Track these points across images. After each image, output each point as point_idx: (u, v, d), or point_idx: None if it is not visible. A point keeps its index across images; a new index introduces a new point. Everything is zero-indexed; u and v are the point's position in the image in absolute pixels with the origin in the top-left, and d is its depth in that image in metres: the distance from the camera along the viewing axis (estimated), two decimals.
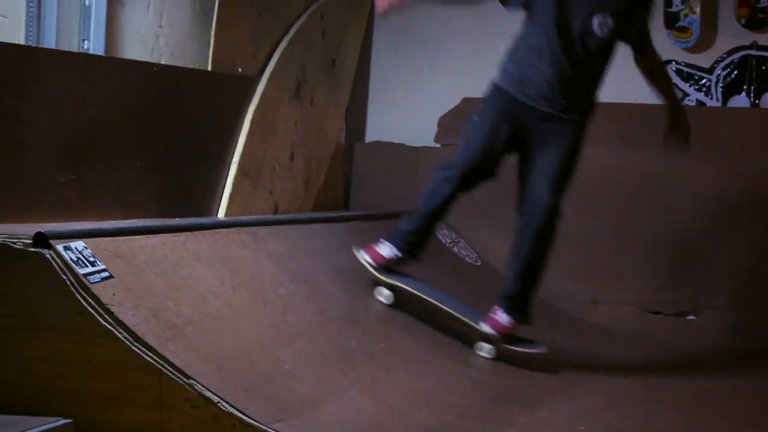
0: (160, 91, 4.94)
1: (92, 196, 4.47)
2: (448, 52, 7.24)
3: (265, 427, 3.27)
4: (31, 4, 4.96)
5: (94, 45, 5.28)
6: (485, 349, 4.94)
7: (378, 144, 7.34)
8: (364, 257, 5.07)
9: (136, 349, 3.32)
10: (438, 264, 5.96)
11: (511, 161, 5.02)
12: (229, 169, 5.37)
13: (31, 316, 3.45)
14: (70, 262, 3.42)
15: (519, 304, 4.93)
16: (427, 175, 6.94)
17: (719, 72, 6.69)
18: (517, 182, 4.98)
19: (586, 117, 4.96)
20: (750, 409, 4.55)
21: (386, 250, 5.05)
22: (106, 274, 3.51)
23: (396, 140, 7.24)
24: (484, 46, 7.07)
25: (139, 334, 3.35)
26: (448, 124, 7.13)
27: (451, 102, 7.04)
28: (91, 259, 3.51)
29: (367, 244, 5.14)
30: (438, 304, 5.04)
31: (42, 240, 3.43)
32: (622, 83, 6.82)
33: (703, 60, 6.76)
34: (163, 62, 5.47)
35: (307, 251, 5.05)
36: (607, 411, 4.36)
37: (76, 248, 3.50)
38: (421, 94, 7.27)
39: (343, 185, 7.20)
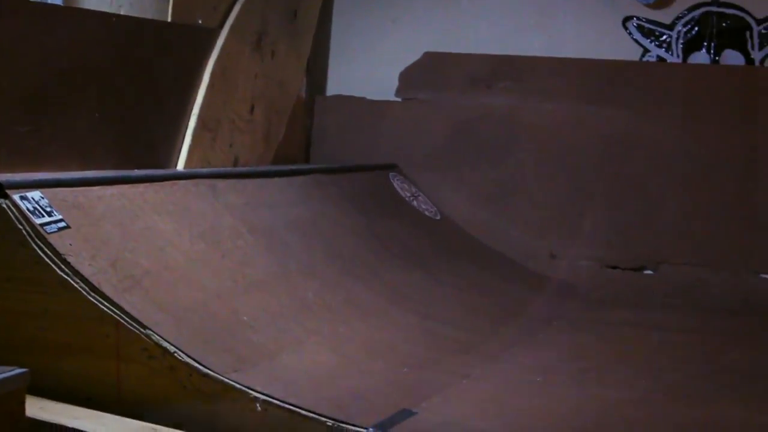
0: (120, 42, 4.88)
1: (50, 147, 4.43)
2: (411, 6, 7.22)
3: (221, 377, 3.28)
4: None
5: None
6: None
7: (339, 98, 7.33)
8: None
9: (92, 299, 3.32)
10: (397, 217, 5.98)
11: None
12: (188, 121, 5.34)
13: None
14: (27, 211, 3.40)
15: None
16: (388, 129, 6.98)
17: (680, 28, 6.71)
18: None
19: None
20: (705, 362, 4.60)
21: None
22: (63, 224, 3.50)
23: (357, 94, 7.23)
24: (446, 0, 7.08)
25: (96, 284, 3.35)
26: (409, 78, 7.12)
27: (413, 56, 7.04)
28: (48, 209, 3.49)
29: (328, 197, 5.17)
30: None
31: None
32: (587, 38, 6.87)
33: (664, 16, 6.76)
34: (122, 13, 5.43)
35: (266, 204, 5.05)
36: (563, 364, 4.41)
37: (32, 198, 3.48)
38: (383, 47, 7.26)
39: (303, 139, 7.19)
